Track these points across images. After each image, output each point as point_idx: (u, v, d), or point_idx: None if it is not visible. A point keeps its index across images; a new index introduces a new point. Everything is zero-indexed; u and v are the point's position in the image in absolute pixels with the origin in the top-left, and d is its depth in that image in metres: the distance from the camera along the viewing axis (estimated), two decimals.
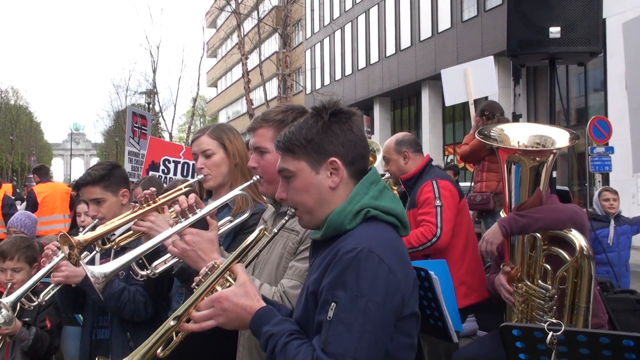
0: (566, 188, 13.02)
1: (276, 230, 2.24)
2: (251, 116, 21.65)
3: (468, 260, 4.51)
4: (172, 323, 2.07)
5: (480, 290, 4.40)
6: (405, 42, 29.23)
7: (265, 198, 2.98)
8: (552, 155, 3.74)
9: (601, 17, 4.63)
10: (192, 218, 2.54)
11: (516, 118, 5.73)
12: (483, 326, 4.76)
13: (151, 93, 34.11)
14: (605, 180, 16.66)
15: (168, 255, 2.64)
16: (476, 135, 4.05)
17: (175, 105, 48.21)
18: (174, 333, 2.11)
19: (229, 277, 2.15)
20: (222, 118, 62.03)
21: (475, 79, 7.60)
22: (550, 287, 3.63)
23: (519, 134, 3.87)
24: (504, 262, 3.87)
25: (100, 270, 2.40)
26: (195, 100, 39.92)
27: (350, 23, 34.58)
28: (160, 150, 8.44)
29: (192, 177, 7.81)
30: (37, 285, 3.45)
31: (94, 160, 76.93)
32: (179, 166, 8.32)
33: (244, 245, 2.24)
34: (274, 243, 2.54)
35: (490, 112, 6.82)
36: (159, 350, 2.09)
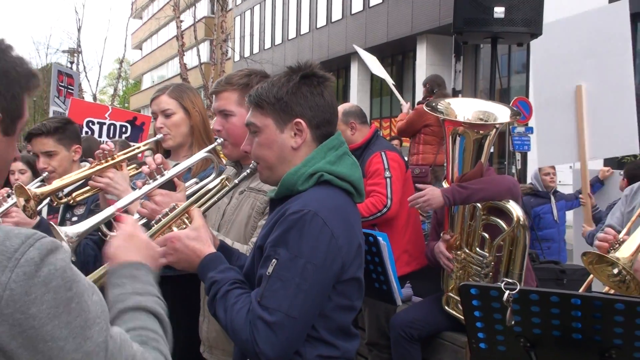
0: None
1: (237, 181, 2.30)
2: (184, 80, 21.10)
3: (410, 230, 4.68)
4: None
5: (419, 258, 4.57)
6: (337, 14, 29.27)
7: (225, 160, 3.01)
8: (494, 130, 3.92)
9: (543, 1, 4.84)
10: (160, 179, 2.56)
11: (456, 94, 5.93)
12: (417, 292, 4.95)
13: (75, 52, 32.86)
14: (524, 159, 17.34)
15: (137, 216, 2.64)
16: (424, 107, 4.19)
17: (100, 66, 46.79)
18: None
19: (185, 220, 2.22)
20: (147, 82, 60.44)
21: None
22: (487, 254, 3.84)
23: (464, 108, 4.03)
24: (444, 231, 4.05)
25: (74, 230, 2.39)
26: (121, 62, 38.78)
27: None
28: (82, 111, 8.11)
29: (119, 138, 7.68)
30: None
31: None
32: (104, 128, 8.08)
33: (204, 190, 2.31)
34: (241, 204, 2.60)
35: (431, 86, 7.01)
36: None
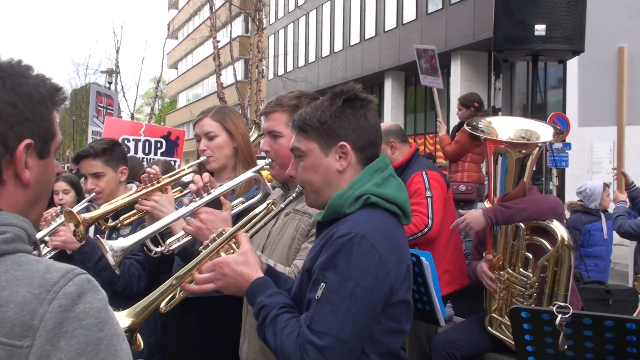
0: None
1: (283, 205, 2.32)
2: (221, 99, 21.29)
3: (451, 249, 4.64)
4: (174, 282, 2.17)
5: (460, 278, 4.53)
6: (370, 31, 29.36)
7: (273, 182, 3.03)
8: (537, 149, 3.88)
9: (585, 17, 4.78)
10: (206, 197, 2.59)
11: (495, 112, 5.88)
12: (458, 312, 4.90)
13: (113, 72, 33.55)
14: (562, 175, 17.12)
15: (182, 233, 2.68)
16: (465, 127, 4.16)
17: (137, 86, 47.63)
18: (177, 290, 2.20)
19: (233, 245, 2.24)
20: (182, 100, 61.28)
21: None
22: (531, 275, 3.78)
23: (506, 127, 4.00)
24: (487, 250, 4.01)
25: (119, 244, 2.44)
26: (158, 81, 39.43)
27: (315, 10, 34.51)
28: (117, 129, 8.23)
29: (155, 155, 7.79)
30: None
31: None
32: (140, 144, 8.21)
33: (250, 215, 2.34)
34: (286, 226, 2.61)
35: (467, 104, 6.97)
36: (162, 305, 2.19)
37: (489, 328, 4.03)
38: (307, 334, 1.88)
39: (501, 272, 3.90)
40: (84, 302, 1.18)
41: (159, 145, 8.15)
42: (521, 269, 3.83)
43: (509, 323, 3.87)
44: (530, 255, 3.80)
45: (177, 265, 3.20)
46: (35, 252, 1.30)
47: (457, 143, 6.92)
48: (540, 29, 4.65)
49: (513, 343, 3.82)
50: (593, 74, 5.49)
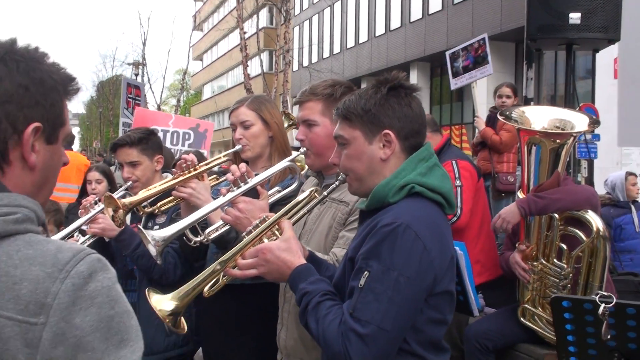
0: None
1: (326, 193, 2.33)
2: (248, 90, 21.32)
3: (483, 239, 4.61)
4: (217, 267, 2.20)
5: (492, 269, 4.50)
6: (396, 22, 29.19)
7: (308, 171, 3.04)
8: (572, 138, 3.84)
9: (620, 5, 4.71)
10: (244, 187, 2.61)
11: (528, 102, 5.82)
12: (489, 303, 4.87)
13: (139, 64, 33.80)
14: (590, 167, 16.90)
15: (220, 222, 2.70)
16: (498, 116, 4.13)
17: (164, 78, 47.88)
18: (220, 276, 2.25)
19: (276, 232, 2.26)
20: (207, 92, 61.56)
21: None
22: (565, 265, 3.75)
23: (540, 116, 3.96)
24: (520, 241, 3.98)
25: (161, 234, 2.47)
26: (185, 73, 39.64)
27: (340, 1, 34.39)
28: (147, 120, 8.28)
29: (183, 146, 7.84)
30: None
31: (74, 130, 75.91)
32: (168, 135, 8.25)
33: (293, 202, 2.35)
34: (322, 214, 2.62)
35: (515, 92, 6.96)
36: (205, 289, 2.23)
37: (522, 319, 4.01)
38: (349, 321, 1.89)
39: (535, 263, 3.87)
40: (95, 280, 1.21)
41: (187, 136, 8.20)
42: (555, 260, 3.81)
43: (542, 314, 3.87)
44: (564, 246, 3.77)
45: (213, 253, 3.23)
46: (44, 234, 1.33)
47: (509, 132, 6.84)
48: (574, 17, 4.58)
49: (546, 334, 3.83)
50: (635, 90, 5.35)
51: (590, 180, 16.88)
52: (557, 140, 3.78)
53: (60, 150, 1.41)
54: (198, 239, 2.75)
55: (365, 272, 1.91)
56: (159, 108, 38.42)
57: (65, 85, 1.38)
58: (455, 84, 7.78)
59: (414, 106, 2.14)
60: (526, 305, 3.98)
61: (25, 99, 1.29)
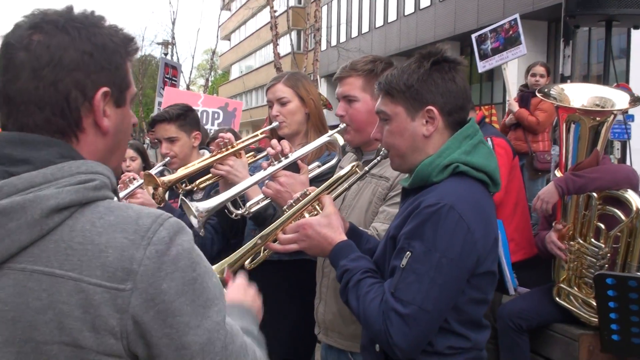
0: None
1: (367, 169, 2.32)
2: (278, 69, 21.27)
3: (517, 217, 4.57)
4: (258, 241, 2.22)
5: (526, 247, 4.46)
6: (425, 1, 28.84)
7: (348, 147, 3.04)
8: (612, 116, 3.77)
9: None
10: (285, 161, 2.63)
11: (564, 80, 5.72)
12: (522, 283, 4.84)
13: (169, 44, 33.86)
14: (624, 148, 16.60)
15: (261, 196, 2.72)
16: (537, 93, 4.07)
17: (193, 57, 47.93)
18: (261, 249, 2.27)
19: (317, 207, 2.27)
20: (235, 72, 61.62)
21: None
22: (603, 245, 3.71)
23: (579, 94, 3.90)
24: (556, 220, 3.94)
25: (204, 205, 2.50)
26: (213, 52, 39.60)
27: None
28: (176, 99, 8.31)
29: (212, 125, 7.85)
30: None
31: None
32: (197, 114, 8.25)
33: (335, 177, 2.37)
34: (362, 190, 2.62)
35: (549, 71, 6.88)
36: (246, 263, 2.26)
37: (557, 299, 3.98)
38: (391, 301, 1.89)
39: (571, 243, 3.83)
40: (176, 244, 1.23)
41: (216, 116, 8.21)
42: (593, 240, 3.76)
43: (578, 294, 3.83)
44: (602, 226, 3.72)
45: (250, 229, 3.26)
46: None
47: (545, 112, 6.75)
48: None
49: (581, 314, 3.79)
50: None
51: (623, 161, 16.60)
52: (597, 118, 3.72)
53: (130, 112, 1.42)
54: (239, 211, 2.77)
55: (408, 253, 1.90)
56: (188, 88, 38.58)
57: (126, 46, 1.38)
58: (483, 66, 7.62)
59: (458, 81, 2.09)
60: (562, 285, 3.94)
61: (91, 66, 1.30)
